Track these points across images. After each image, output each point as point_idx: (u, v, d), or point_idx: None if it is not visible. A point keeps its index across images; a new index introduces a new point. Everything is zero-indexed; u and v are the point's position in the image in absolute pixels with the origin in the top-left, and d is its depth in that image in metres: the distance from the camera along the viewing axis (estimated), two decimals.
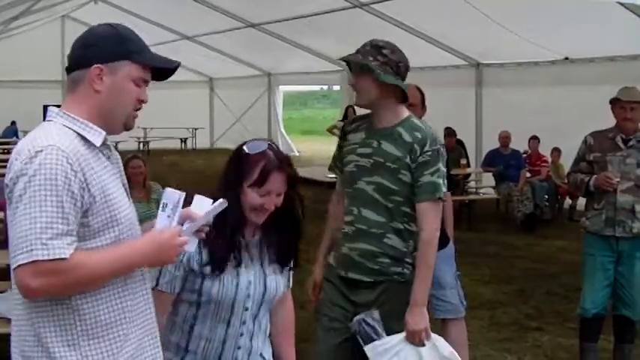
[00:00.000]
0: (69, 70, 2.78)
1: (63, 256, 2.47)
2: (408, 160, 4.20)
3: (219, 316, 3.24)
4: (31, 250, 2.45)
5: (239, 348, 3.28)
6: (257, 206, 3.20)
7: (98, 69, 2.69)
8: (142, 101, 2.81)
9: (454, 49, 16.46)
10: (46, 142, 2.55)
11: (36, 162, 2.50)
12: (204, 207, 2.78)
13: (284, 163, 3.24)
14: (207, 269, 3.18)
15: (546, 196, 14.45)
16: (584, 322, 6.48)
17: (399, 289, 4.31)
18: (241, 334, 3.27)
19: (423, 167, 4.21)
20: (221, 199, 2.82)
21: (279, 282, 3.35)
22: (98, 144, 2.70)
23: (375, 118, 4.35)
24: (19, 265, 2.47)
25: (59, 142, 2.56)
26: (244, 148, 3.25)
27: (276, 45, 21.19)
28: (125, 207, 2.74)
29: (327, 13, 16.50)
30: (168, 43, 22.33)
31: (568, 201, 14.48)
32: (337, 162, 4.57)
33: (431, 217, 4.28)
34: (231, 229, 3.18)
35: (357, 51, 4.32)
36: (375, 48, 4.26)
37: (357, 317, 4.23)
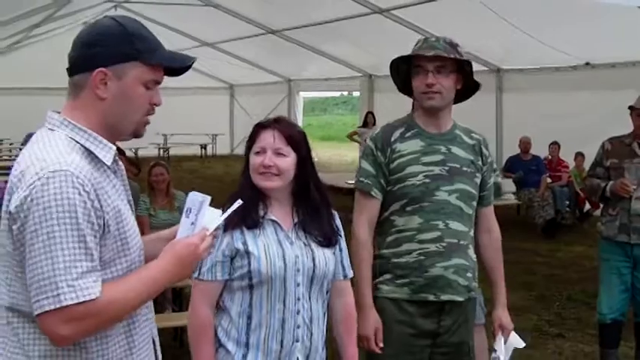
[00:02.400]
0: (70, 72, 2.50)
1: (94, 297, 2.24)
2: (480, 162, 4.05)
3: (273, 297, 3.17)
4: (58, 294, 2.21)
5: (298, 327, 3.20)
6: (256, 166, 3.22)
7: (102, 73, 2.42)
8: (154, 104, 2.57)
9: (474, 54, 16.42)
10: (57, 163, 2.28)
11: (50, 190, 2.23)
12: (214, 218, 2.63)
13: (274, 121, 3.31)
14: (248, 232, 3.17)
15: (567, 202, 14.42)
16: (602, 327, 6.47)
17: (474, 304, 4.21)
18: (298, 312, 3.20)
19: (490, 169, 4.12)
20: (238, 200, 2.80)
21: (328, 257, 3.29)
22: (109, 162, 2.46)
23: (432, 121, 4.01)
24: (45, 312, 2.22)
25: (72, 165, 2.29)
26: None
27: (296, 51, 21.22)
28: (136, 234, 2.52)
29: (346, 19, 16.49)
30: (189, 50, 22.38)
31: (588, 206, 14.44)
32: (379, 180, 4.00)
33: (495, 218, 4.25)
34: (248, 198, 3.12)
35: (432, 47, 3.91)
36: (452, 45, 3.95)
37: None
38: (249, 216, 3.18)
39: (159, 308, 7.65)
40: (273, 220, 3.25)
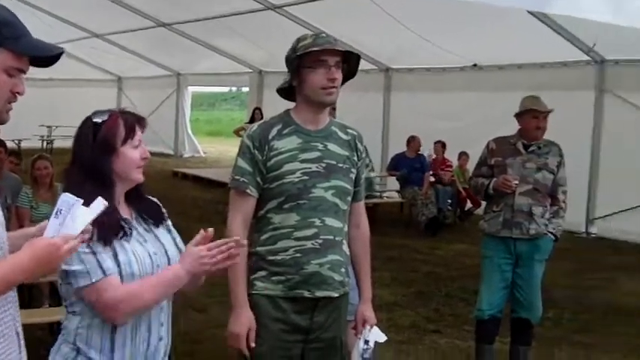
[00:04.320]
0: None
1: None
2: (355, 158, 4.01)
3: None
4: None
5: (162, 325, 3.09)
6: (138, 160, 3.06)
7: None
8: (17, 93, 2.50)
9: (364, 52, 16.52)
10: None
11: None
12: (84, 220, 2.56)
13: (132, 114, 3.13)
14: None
15: (449, 201, 14.62)
16: (480, 323, 6.50)
17: (347, 300, 4.14)
18: (161, 309, 3.09)
19: (364, 164, 4.10)
20: (98, 199, 2.63)
21: (170, 242, 3.15)
22: None
23: (311, 118, 3.93)
24: None
25: None
26: (95, 120, 3.05)
27: (187, 45, 20.96)
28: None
29: (239, 14, 16.37)
30: (78, 41, 21.92)
31: (469, 205, 14.69)
32: (255, 178, 3.89)
33: (365, 214, 4.23)
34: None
35: (329, 42, 3.84)
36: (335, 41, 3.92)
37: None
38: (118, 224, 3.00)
39: (36, 304, 7.52)
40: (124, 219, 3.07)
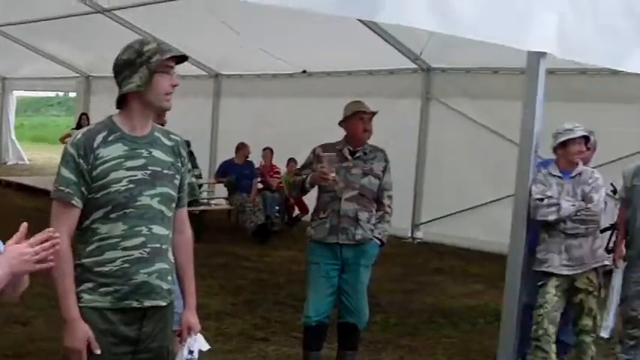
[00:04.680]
0: None
1: None
2: (179, 164, 3.91)
3: None
4: None
5: None
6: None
7: None
8: None
9: (193, 58, 16.30)
10: None
11: None
12: None
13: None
14: None
15: (277, 207, 14.59)
16: (307, 330, 6.47)
17: (172, 308, 4.02)
18: None
19: (187, 170, 4.01)
20: None
21: None
22: None
23: (137, 124, 3.81)
24: None
25: None
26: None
27: (12, 48, 20.09)
28: None
29: (67, 17, 15.83)
30: None
31: (297, 212, 14.71)
32: (80, 188, 3.70)
33: (188, 220, 4.15)
34: None
35: (170, 49, 3.85)
36: None
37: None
38: None
39: None
40: None
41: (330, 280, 6.36)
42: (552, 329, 6.30)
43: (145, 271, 3.76)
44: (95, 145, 3.71)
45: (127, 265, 3.73)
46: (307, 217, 12.15)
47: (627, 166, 7.03)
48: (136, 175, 3.74)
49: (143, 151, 3.79)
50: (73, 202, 3.70)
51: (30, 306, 7.51)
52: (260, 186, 14.47)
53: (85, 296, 3.74)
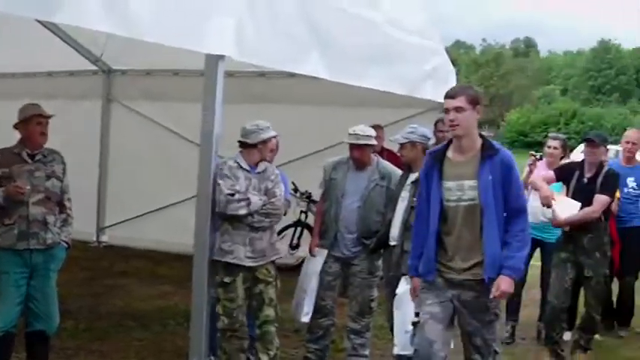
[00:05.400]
0: None
1: None
2: None
3: None
4: None
5: None
6: None
7: None
8: None
9: None
10: None
11: None
12: None
13: None
14: None
15: None
16: None
17: None
18: None
19: None
20: None
21: None
22: None
23: None
24: None
25: None
26: None
27: None
28: None
29: None
30: None
31: None
32: None
33: None
34: None
35: None
36: None
37: None
38: None
39: None
40: None
41: (20, 289, 6.25)
42: (244, 320, 6.56)
43: None
44: None
45: None
46: None
47: (326, 160, 7.48)
48: None
49: None
50: None
51: None
52: None
53: None
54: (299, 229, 11.59)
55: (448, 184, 5.50)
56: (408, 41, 8.43)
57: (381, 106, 10.04)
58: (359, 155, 7.21)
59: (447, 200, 5.50)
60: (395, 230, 6.98)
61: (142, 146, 12.82)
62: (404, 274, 6.58)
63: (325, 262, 7.25)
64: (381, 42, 7.90)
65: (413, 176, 6.94)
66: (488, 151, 5.44)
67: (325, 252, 7.30)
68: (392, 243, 7.00)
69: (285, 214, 7.03)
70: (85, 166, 11.94)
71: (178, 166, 11.62)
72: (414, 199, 6.55)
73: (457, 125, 5.38)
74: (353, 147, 7.21)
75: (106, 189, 13.48)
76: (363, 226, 7.21)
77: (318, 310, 7.28)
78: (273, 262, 6.65)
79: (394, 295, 6.80)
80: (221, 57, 5.71)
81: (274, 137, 6.69)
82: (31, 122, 6.34)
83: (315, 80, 7.20)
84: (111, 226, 13.51)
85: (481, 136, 5.53)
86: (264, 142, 6.57)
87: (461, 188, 5.46)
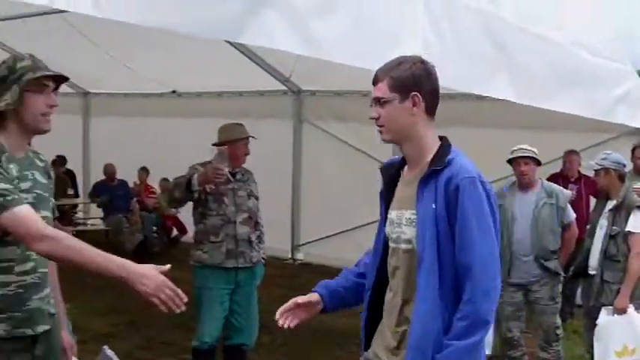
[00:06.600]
0: None
1: None
2: (51, 185, 3.92)
3: None
4: None
5: None
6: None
7: None
8: None
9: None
10: None
11: None
12: None
13: None
14: None
15: (154, 228, 14.57)
16: (198, 353, 6.62)
17: (58, 328, 4.02)
18: None
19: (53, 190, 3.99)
20: None
21: None
22: None
23: (21, 145, 3.76)
24: None
25: None
26: None
27: None
28: None
29: None
30: None
31: (175, 232, 14.74)
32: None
33: None
34: None
35: (46, 67, 3.71)
36: None
37: None
38: None
39: None
40: None
41: (224, 305, 6.53)
42: None
43: (38, 296, 3.73)
44: (3, 162, 3.60)
45: (21, 290, 3.66)
46: (187, 239, 12.27)
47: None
48: (27, 199, 3.59)
49: (28, 173, 3.72)
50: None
51: None
52: (137, 206, 14.44)
53: None
54: None
55: (392, 214, 3.59)
56: (596, 63, 8.18)
57: (567, 130, 9.90)
58: (526, 169, 7.16)
59: (390, 239, 3.60)
60: (594, 259, 6.87)
61: (333, 165, 13.03)
62: (604, 305, 6.50)
63: (505, 292, 7.09)
64: (568, 63, 7.71)
65: (610, 204, 6.83)
66: (435, 163, 3.37)
67: None
68: (591, 272, 6.90)
69: None
70: (279, 184, 12.26)
71: (370, 187, 11.71)
72: (614, 227, 6.47)
73: (381, 126, 3.47)
74: (520, 161, 7.17)
75: (300, 207, 13.77)
76: (538, 247, 7.11)
77: (506, 342, 7.22)
78: None
79: (594, 325, 6.70)
80: None
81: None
82: (239, 143, 6.62)
83: (500, 102, 7.13)
84: (305, 244, 13.78)
85: (441, 139, 3.49)
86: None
87: (399, 222, 3.52)
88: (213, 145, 6.71)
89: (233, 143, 6.61)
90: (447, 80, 6.22)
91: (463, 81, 6.17)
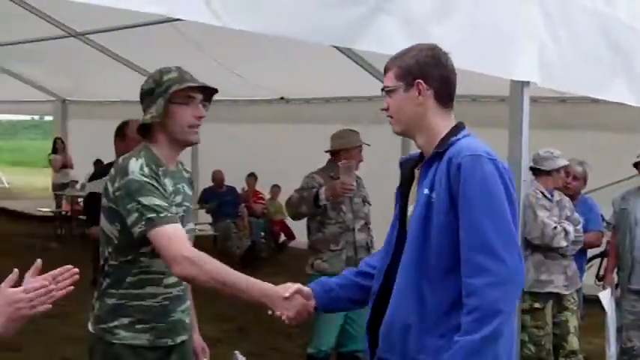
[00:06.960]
0: None
1: None
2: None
3: None
4: None
5: None
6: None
7: None
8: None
9: None
10: None
11: None
12: None
13: None
14: None
15: (262, 233, 14.67)
16: None
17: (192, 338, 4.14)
18: None
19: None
20: None
21: None
22: None
23: (171, 157, 3.76)
24: None
25: None
26: None
27: None
28: None
29: (39, 41, 15.77)
30: None
31: (283, 238, 14.79)
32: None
33: None
34: None
35: (193, 79, 3.79)
36: None
37: None
38: None
39: None
40: None
41: (341, 313, 6.45)
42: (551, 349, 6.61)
43: (180, 308, 3.80)
44: (160, 175, 3.63)
45: (166, 302, 3.72)
46: (294, 244, 12.29)
47: (615, 194, 7.29)
48: (179, 213, 3.64)
49: (180, 186, 3.76)
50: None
51: (21, 331, 7.52)
52: (245, 212, 14.58)
53: (122, 332, 3.68)
54: (605, 259, 11.27)
55: (409, 209, 3.39)
56: None
57: None
58: None
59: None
60: None
61: None
62: None
63: (626, 300, 7.01)
64: None
65: None
66: (439, 147, 3.23)
67: (608, 290, 7.07)
68: None
69: (599, 245, 6.94)
70: (389, 190, 12.18)
71: None
72: None
73: (391, 117, 3.38)
74: None
75: None
76: None
77: (625, 353, 7.05)
78: (577, 290, 6.59)
79: None
80: (526, 83, 5.53)
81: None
82: (353, 150, 6.60)
83: (616, 106, 6.88)
84: None
85: (456, 128, 3.32)
86: (558, 169, 6.55)
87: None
88: (327, 152, 6.72)
89: (348, 151, 6.59)
90: (565, 84, 6.13)
91: (581, 84, 6.07)
